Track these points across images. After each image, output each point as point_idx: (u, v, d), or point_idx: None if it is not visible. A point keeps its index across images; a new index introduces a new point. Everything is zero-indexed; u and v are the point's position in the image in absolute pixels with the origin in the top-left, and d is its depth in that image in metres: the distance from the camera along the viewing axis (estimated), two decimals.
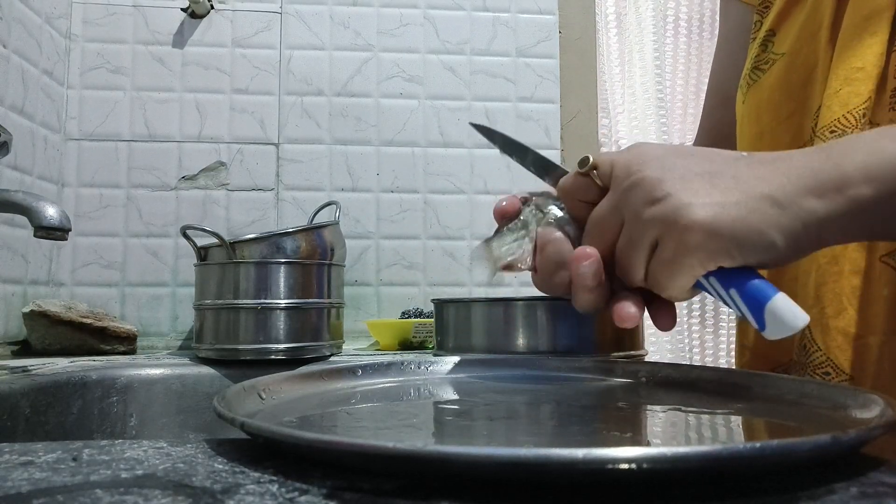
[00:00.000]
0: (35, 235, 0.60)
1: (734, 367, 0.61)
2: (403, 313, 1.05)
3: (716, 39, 0.71)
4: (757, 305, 0.34)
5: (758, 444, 0.22)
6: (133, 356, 0.87)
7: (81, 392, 0.72)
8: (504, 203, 0.44)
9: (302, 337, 0.81)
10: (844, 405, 0.34)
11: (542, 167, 0.46)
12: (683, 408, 0.39)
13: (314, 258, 0.83)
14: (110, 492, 0.23)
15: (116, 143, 1.07)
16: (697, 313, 1.51)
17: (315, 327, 0.83)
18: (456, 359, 0.52)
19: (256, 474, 0.25)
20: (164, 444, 0.30)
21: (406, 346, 0.95)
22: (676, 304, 0.40)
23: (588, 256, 0.38)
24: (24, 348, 0.90)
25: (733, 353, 1.46)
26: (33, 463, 0.26)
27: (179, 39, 1.10)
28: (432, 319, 0.82)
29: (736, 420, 0.37)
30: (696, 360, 1.49)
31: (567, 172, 0.44)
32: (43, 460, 0.27)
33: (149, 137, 1.08)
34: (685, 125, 1.51)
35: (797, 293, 0.51)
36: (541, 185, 0.47)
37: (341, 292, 0.88)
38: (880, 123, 0.47)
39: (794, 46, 0.53)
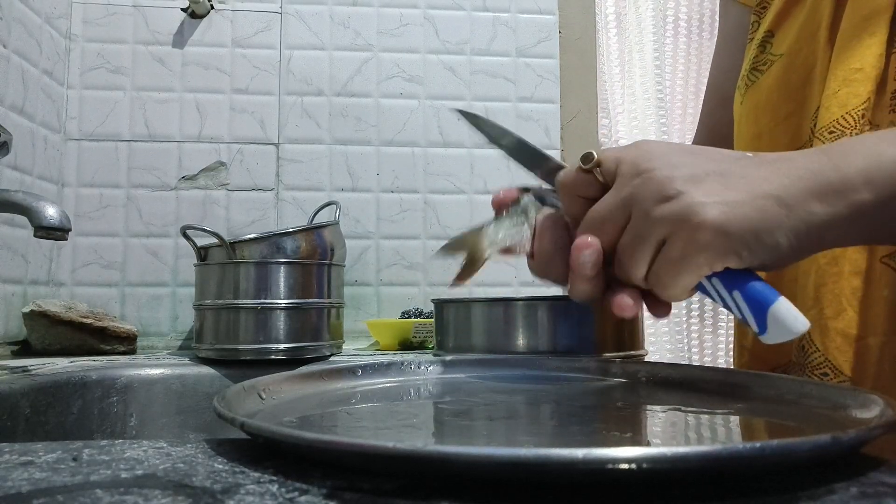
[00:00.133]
0: (35, 235, 0.60)
1: (733, 368, 0.61)
2: (403, 313, 1.05)
3: (715, 40, 0.71)
4: (760, 308, 0.34)
5: (758, 444, 0.22)
6: (133, 356, 0.87)
7: (81, 392, 0.72)
8: (502, 194, 0.44)
9: (302, 337, 0.81)
10: (844, 405, 0.34)
11: (534, 158, 0.45)
12: (683, 408, 0.39)
13: (314, 258, 0.83)
14: (110, 492, 0.23)
15: (116, 143, 1.07)
16: (697, 313, 1.51)
17: (315, 327, 0.83)
18: (456, 359, 0.52)
19: (256, 474, 0.25)
20: (164, 444, 0.30)
21: (406, 346, 0.95)
22: (675, 303, 0.40)
23: (589, 245, 0.38)
24: (24, 348, 0.90)
25: (731, 344, 1.46)
26: (33, 463, 0.26)
27: (179, 39, 1.10)
28: (432, 319, 0.82)
29: (736, 420, 0.37)
30: (696, 360, 1.49)
31: (561, 165, 0.43)
32: (43, 460, 0.27)
33: (149, 137, 1.08)
34: (685, 125, 1.51)
35: (796, 294, 0.51)
36: (537, 181, 0.46)
37: (341, 292, 0.88)
38: (880, 125, 0.47)
39: (793, 47, 0.53)
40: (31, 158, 0.95)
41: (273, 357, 0.80)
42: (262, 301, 0.79)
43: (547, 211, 0.42)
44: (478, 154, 1.15)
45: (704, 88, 0.72)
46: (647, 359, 0.74)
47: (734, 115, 0.60)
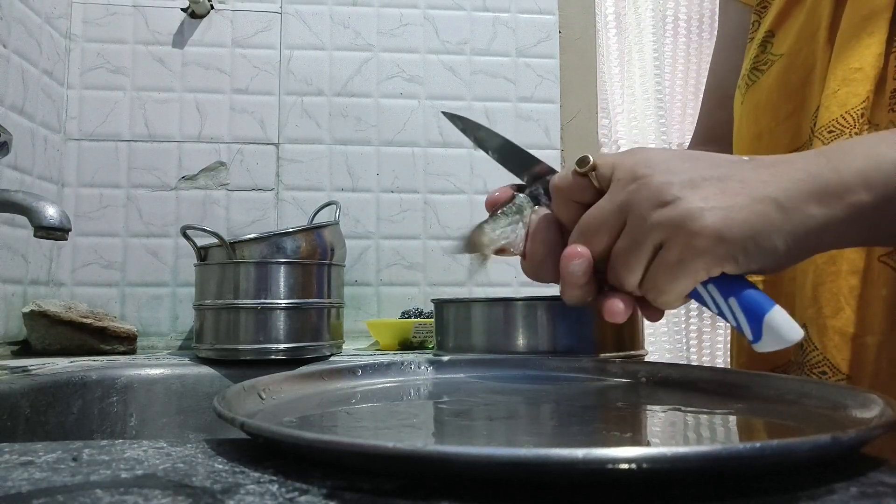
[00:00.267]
0: (35, 235, 0.60)
1: (731, 366, 0.61)
2: (403, 313, 1.05)
3: (714, 40, 0.71)
4: (755, 316, 0.34)
5: (758, 444, 0.22)
6: (133, 356, 0.87)
7: (81, 392, 0.72)
8: (497, 193, 0.44)
9: (302, 337, 0.81)
10: (844, 405, 0.34)
11: (521, 161, 0.45)
12: (683, 408, 0.39)
13: (314, 258, 0.83)
14: (110, 492, 0.23)
15: (116, 143, 1.07)
16: (695, 313, 1.51)
17: (315, 327, 0.83)
18: (456, 359, 0.52)
19: (256, 474, 0.25)
20: (164, 444, 0.30)
21: (406, 346, 0.95)
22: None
23: (579, 255, 0.38)
24: (24, 348, 0.90)
25: (730, 347, 1.46)
26: (33, 463, 0.26)
27: (179, 39, 1.10)
28: (432, 319, 0.82)
29: (736, 420, 0.37)
30: (695, 359, 1.49)
31: (550, 168, 0.43)
32: (43, 460, 0.27)
33: (149, 137, 1.08)
34: (684, 125, 1.52)
35: (795, 293, 0.51)
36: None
37: (341, 292, 0.88)
38: (879, 124, 0.47)
39: (793, 47, 0.54)
40: (31, 158, 0.95)
41: (273, 357, 0.80)
42: (262, 301, 0.80)
43: (541, 211, 0.42)
44: (478, 154, 1.15)
45: (703, 88, 0.72)
46: (646, 359, 0.74)
47: (734, 115, 0.60)
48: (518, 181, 0.46)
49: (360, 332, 1.07)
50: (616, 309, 0.38)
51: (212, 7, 1.11)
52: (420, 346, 0.95)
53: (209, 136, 1.09)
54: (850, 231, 0.35)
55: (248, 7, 1.12)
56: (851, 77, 0.47)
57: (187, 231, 0.82)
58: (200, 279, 0.84)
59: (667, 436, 0.34)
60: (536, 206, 0.43)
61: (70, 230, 0.61)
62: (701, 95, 0.73)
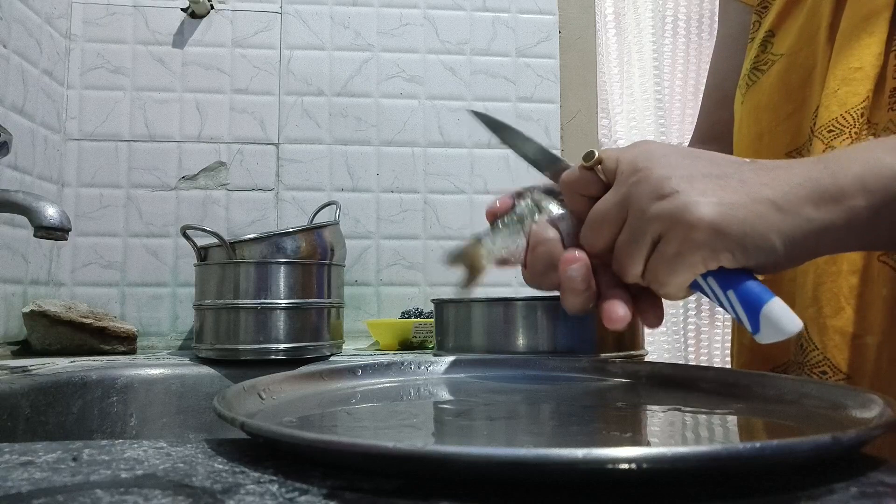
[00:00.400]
0: (35, 235, 0.60)
1: (731, 365, 0.61)
2: (403, 313, 1.05)
3: (714, 40, 0.71)
4: (753, 308, 0.34)
5: (758, 444, 0.22)
6: (133, 356, 0.87)
7: (81, 392, 0.72)
8: (497, 204, 0.44)
9: (302, 337, 0.81)
10: (844, 405, 0.34)
11: (544, 160, 0.46)
12: (683, 408, 0.39)
13: (314, 258, 0.83)
14: (110, 492, 0.23)
15: (116, 143, 1.07)
16: (693, 312, 1.51)
17: (315, 327, 0.83)
18: (456, 359, 0.52)
19: (256, 474, 0.25)
20: (164, 444, 0.30)
21: (406, 346, 0.95)
22: (674, 302, 0.40)
23: (576, 260, 0.38)
24: (24, 348, 0.90)
25: (728, 346, 1.46)
26: (33, 463, 0.26)
27: (179, 39, 1.10)
28: (432, 319, 0.82)
29: (735, 420, 0.37)
30: (692, 357, 1.49)
31: (570, 166, 0.44)
32: (43, 460, 0.27)
33: (149, 137, 1.08)
34: (683, 126, 1.51)
35: (795, 293, 0.51)
36: (535, 181, 0.46)
37: (341, 292, 0.88)
38: (879, 123, 0.47)
39: (793, 47, 0.54)
40: (31, 158, 0.95)
41: (273, 357, 0.80)
42: (262, 301, 0.79)
43: (542, 220, 0.42)
44: (478, 154, 1.15)
45: (703, 88, 0.72)
46: (646, 359, 0.74)
47: (735, 115, 0.60)
48: (517, 188, 0.46)
49: (360, 332, 1.07)
50: (616, 316, 0.38)
51: (212, 7, 1.11)
52: (420, 346, 0.95)
53: (209, 136, 1.09)
54: (847, 236, 0.35)
55: (248, 7, 1.12)
56: (851, 76, 0.48)
57: (187, 231, 0.82)
58: (200, 279, 0.84)
59: (667, 436, 0.34)
60: (538, 215, 0.43)
61: (70, 230, 0.61)
62: (700, 96, 0.73)
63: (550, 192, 0.44)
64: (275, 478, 0.25)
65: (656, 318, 0.40)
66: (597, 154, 0.39)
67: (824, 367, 0.47)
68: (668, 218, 0.34)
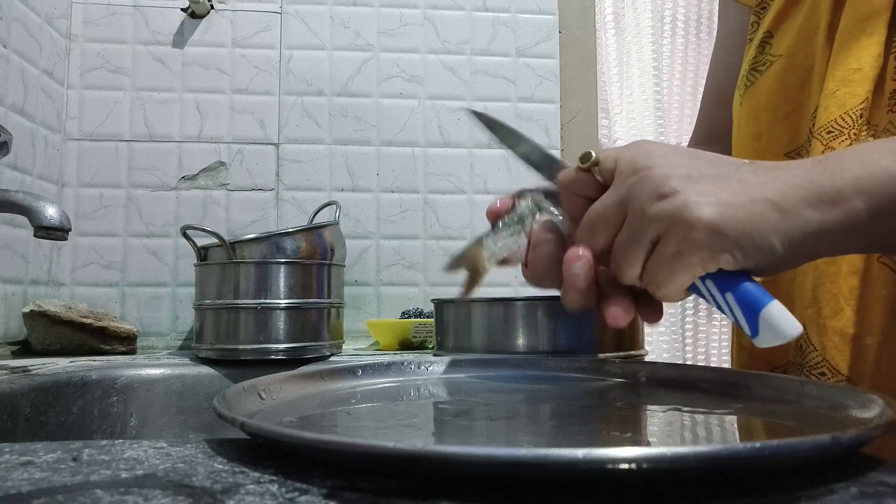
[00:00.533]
0: (35, 235, 0.60)
1: (730, 365, 0.61)
2: (403, 313, 1.05)
3: (713, 40, 0.71)
4: (752, 311, 0.34)
5: (757, 444, 0.22)
6: (133, 356, 0.87)
7: (81, 392, 0.72)
8: (497, 204, 0.44)
9: (302, 337, 0.81)
10: (844, 405, 0.34)
11: (542, 160, 0.46)
12: (683, 408, 0.39)
13: (314, 258, 0.83)
14: (110, 492, 0.23)
15: (116, 143, 1.07)
16: (691, 312, 1.51)
17: (315, 327, 0.83)
18: (456, 359, 0.52)
19: (256, 474, 0.25)
20: (164, 444, 0.30)
21: (406, 346, 0.95)
22: (672, 303, 0.40)
23: (580, 258, 0.38)
24: (24, 348, 0.90)
25: (725, 344, 1.47)
26: (33, 463, 0.26)
27: (179, 39, 1.10)
28: (432, 319, 0.82)
29: (735, 420, 0.37)
30: (690, 356, 1.49)
31: (567, 167, 0.44)
32: (43, 460, 0.27)
33: (149, 137, 1.08)
34: (682, 126, 1.52)
35: (794, 293, 0.51)
36: (536, 181, 0.46)
37: (341, 292, 0.88)
38: (878, 125, 0.47)
39: (792, 48, 0.54)
40: (31, 158, 0.95)
41: (273, 357, 0.80)
42: (262, 301, 0.79)
43: (543, 219, 0.42)
44: (478, 154, 1.15)
45: (702, 89, 0.72)
46: (645, 359, 0.74)
47: (734, 116, 0.60)
48: (518, 188, 0.46)
49: (360, 332, 1.07)
50: (617, 314, 0.38)
51: (212, 7, 1.11)
52: (420, 346, 0.95)
53: (209, 136, 1.09)
54: (845, 238, 0.35)
55: (248, 7, 1.12)
56: (850, 78, 0.47)
57: (187, 231, 0.82)
58: (200, 279, 0.84)
59: (666, 436, 0.34)
60: (538, 214, 0.43)
61: (70, 230, 0.61)
62: (699, 96, 0.73)
63: (548, 194, 0.44)
64: (275, 478, 0.25)
65: (656, 315, 0.40)
66: (594, 155, 0.39)
67: (823, 369, 0.47)
68: (668, 218, 0.34)
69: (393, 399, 0.44)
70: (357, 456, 0.25)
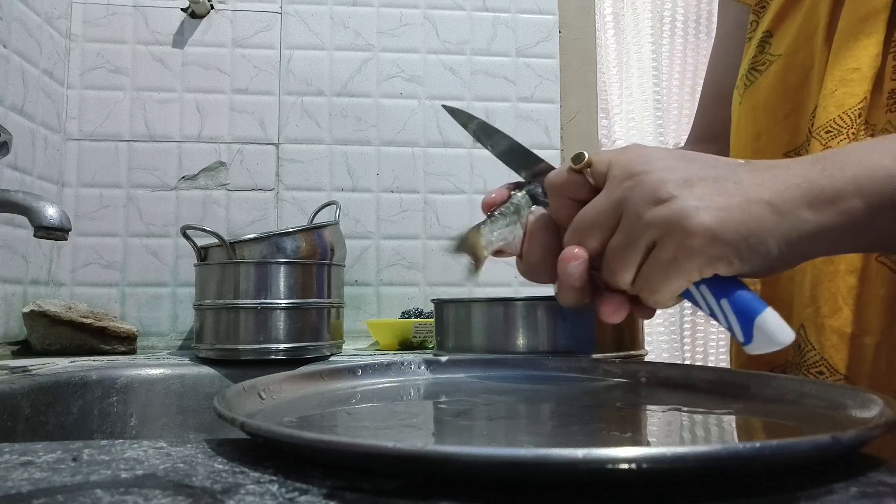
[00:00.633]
0: (35, 235, 0.60)
1: (729, 365, 0.61)
2: (403, 313, 1.05)
3: (712, 40, 0.71)
4: (747, 318, 0.34)
5: (757, 444, 0.22)
6: (133, 356, 0.87)
7: (81, 392, 0.72)
8: (493, 195, 0.44)
9: (302, 337, 0.81)
10: (844, 405, 0.34)
11: (522, 158, 0.45)
12: (683, 408, 0.39)
13: (314, 258, 0.83)
14: (110, 492, 0.23)
15: (116, 143, 1.07)
16: (690, 309, 1.51)
17: (315, 327, 0.83)
18: (456, 358, 0.52)
19: (256, 474, 0.25)
20: (164, 444, 0.30)
21: (406, 346, 0.95)
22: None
23: (576, 257, 0.38)
24: (24, 348, 0.90)
25: (724, 343, 1.47)
26: (33, 463, 0.26)
27: (179, 39, 1.10)
28: (432, 319, 0.82)
29: (735, 420, 0.37)
30: (688, 355, 1.49)
31: (550, 166, 0.43)
32: (43, 460, 0.27)
33: (149, 137, 1.08)
34: (681, 125, 1.52)
35: (793, 293, 0.51)
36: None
37: (341, 292, 0.88)
38: (877, 124, 0.47)
39: (791, 48, 0.54)
40: (31, 158, 0.95)
41: (273, 357, 0.80)
42: (262, 301, 0.80)
43: (538, 212, 0.42)
44: (477, 154, 1.15)
45: (701, 87, 0.72)
46: (645, 358, 0.74)
47: (733, 115, 0.60)
48: (516, 179, 0.46)
49: (360, 332, 1.07)
50: (612, 310, 0.38)
51: (212, 7, 1.11)
52: (420, 346, 0.95)
53: (209, 136, 1.09)
54: (843, 238, 0.35)
55: (248, 7, 1.12)
56: (849, 77, 0.47)
57: (187, 231, 0.82)
58: (200, 279, 0.84)
59: (666, 436, 0.34)
60: (534, 207, 0.43)
61: (70, 230, 0.61)
62: (698, 96, 0.73)
63: (533, 195, 0.43)
64: (275, 478, 0.25)
65: (649, 310, 0.40)
66: (586, 156, 0.38)
67: (821, 368, 0.47)
68: (665, 223, 0.34)
69: (393, 399, 0.44)
70: (357, 456, 0.25)
